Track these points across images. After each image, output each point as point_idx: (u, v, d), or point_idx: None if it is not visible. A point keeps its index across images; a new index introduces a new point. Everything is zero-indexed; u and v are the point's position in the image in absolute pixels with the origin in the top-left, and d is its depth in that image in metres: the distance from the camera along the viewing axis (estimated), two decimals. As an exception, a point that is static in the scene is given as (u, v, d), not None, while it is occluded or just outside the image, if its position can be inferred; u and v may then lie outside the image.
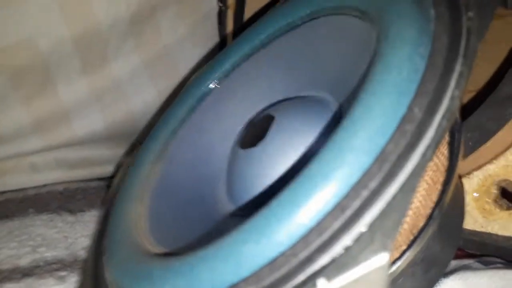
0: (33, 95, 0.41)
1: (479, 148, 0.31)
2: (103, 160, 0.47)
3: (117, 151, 0.48)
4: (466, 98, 0.37)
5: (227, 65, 0.33)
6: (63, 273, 0.29)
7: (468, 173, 0.31)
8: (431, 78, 0.17)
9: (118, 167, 0.48)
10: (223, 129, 0.31)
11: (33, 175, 0.44)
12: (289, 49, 0.29)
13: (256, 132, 0.28)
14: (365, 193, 0.15)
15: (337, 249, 0.15)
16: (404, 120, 0.17)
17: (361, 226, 0.15)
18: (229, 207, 0.28)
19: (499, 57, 0.37)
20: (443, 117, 0.16)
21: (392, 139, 0.16)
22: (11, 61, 0.38)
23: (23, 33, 0.38)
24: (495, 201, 0.31)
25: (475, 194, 0.32)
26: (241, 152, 0.27)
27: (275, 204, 0.17)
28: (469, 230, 0.32)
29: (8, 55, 0.38)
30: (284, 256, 0.16)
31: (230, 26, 0.46)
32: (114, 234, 0.25)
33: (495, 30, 0.28)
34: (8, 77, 0.39)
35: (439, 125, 0.16)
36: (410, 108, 0.17)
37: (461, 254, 0.33)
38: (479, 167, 0.31)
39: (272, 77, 0.31)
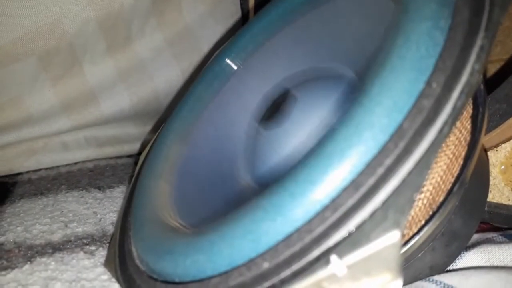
0: (61, 76, 0.42)
1: (507, 120, 0.30)
2: (130, 138, 0.49)
3: (143, 129, 0.49)
4: (494, 68, 0.35)
5: (248, 42, 0.32)
6: (92, 248, 0.30)
7: (495, 146, 0.31)
8: (450, 53, 0.17)
9: (144, 145, 0.49)
10: (243, 105, 0.32)
11: (64, 154, 0.46)
12: (309, 26, 0.29)
13: (274, 107, 0.28)
14: (380, 171, 0.15)
15: (351, 226, 0.15)
16: (421, 96, 0.16)
17: (375, 203, 0.15)
18: (249, 183, 0.28)
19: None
20: (462, 92, 0.16)
21: (408, 115, 0.16)
22: (39, 43, 0.39)
23: (50, 16, 0.39)
24: (523, 174, 0.30)
25: (502, 167, 0.31)
26: (263, 132, 0.27)
27: (290, 181, 0.17)
28: (495, 203, 0.31)
29: (36, 37, 0.39)
30: (299, 232, 0.16)
31: (251, 3, 0.45)
32: (139, 210, 0.25)
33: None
34: (37, 59, 0.40)
35: (457, 100, 0.16)
36: (428, 84, 0.16)
37: (486, 227, 0.33)
38: (506, 140, 0.30)
39: (292, 51, 0.31)
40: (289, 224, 0.17)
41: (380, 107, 0.16)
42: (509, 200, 0.31)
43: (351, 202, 0.15)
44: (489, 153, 0.31)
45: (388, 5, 0.21)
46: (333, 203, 0.16)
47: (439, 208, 0.21)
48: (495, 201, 0.31)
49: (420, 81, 0.17)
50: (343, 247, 0.15)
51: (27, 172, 0.43)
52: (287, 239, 0.16)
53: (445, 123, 0.15)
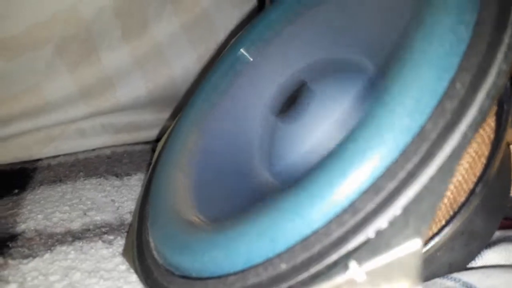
0: (78, 63, 0.42)
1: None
2: (147, 125, 0.49)
3: (160, 116, 0.49)
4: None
5: (264, 30, 0.32)
6: (111, 237, 0.30)
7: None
8: (476, 51, 0.16)
9: (163, 132, 0.49)
10: (258, 95, 0.31)
11: (82, 140, 0.46)
12: (328, 14, 0.28)
13: (291, 99, 0.28)
14: (401, 175, 0.15)
15: (370, 232, 0.15)
16: (445, 97, 0.16)
17: (396, 209, 0.15)
18: (265, 174, 0.28)
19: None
20: (488, 94, 0.15)
21: (431, 117, 0.15)
22: (57, 30, 0.39)
23: (66, 2, 0.39)
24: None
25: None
26: (279, 123, 0.27)
27: (309, 182, 0.17)
28: (517, 198, 0.31)
29: (54, 24, 0.39)
30: (317, 234, 0.16)
31: (269, -14, 0.45)
32: (156, 201, 0.25)
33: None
34: (55, 46, 0.40)
35: (483, 103, 0.15)
36: (452, 84, 0.16)
37: (508, 223, 0.32)
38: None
39: (310, 40, 0.30)
40: (307, 225, 0.16)
41: (401, 107, 0.16)
42: (532, 195, 0.30)
43: (370, 206, 0.15)
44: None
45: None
46: (352, 207, 0.16)
47: (460, 208, 0.20)
48: (517, 195, 0.31)
49: (444, 80, 0.16)
50: (362, 252, 0.15)
51: (47, 158, 0.44)
52: (305, 241, 0.16)
53: (470, 127, 0.15)
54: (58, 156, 0.45)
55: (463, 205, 0.20)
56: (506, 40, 0.16)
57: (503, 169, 0.26)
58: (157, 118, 0.49)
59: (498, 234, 0.29)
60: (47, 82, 0.41)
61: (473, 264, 0.26)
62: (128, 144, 0.48)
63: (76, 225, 0.32)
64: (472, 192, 0.21)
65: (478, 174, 0.21)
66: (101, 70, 0.43)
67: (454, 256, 0.24)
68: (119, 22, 0.42)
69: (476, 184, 0.21)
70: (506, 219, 0.32)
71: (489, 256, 0.27)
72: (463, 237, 0.23)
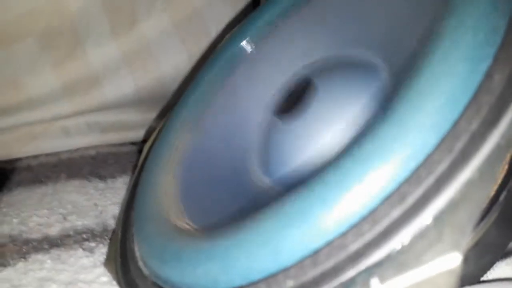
0: (63, 59, 0.40)
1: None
2: (134, 124, 0.47)
3: (148, 115, 0.47)
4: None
5: (262, 25, 0.30)
6: (92, 244, 0.28)
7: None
8: (515, 40, 0.14)
9: (149, 132, 0.47)
10: (256, 94, 0.29)
11: (65, 139, 0.44)
12: (333, 4, 0.26)
13: (293, 98, 0.26)
14: (430, 179, 0.13)
15: (395, 244, 0.13)
16: (481, 90, 0.14)
17: (426, 218, 0.12)
18: (264, 179, 0.26)
19: None
20: (531, 87, 0.13)
21: (465, 113, 0.13)
22: (40, 23, 0.37)
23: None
24: None
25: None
26: (280, 124, 0.25)
27: (320, 184, 0.15)
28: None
29: (36, 17, 0.37)
30: (330, 246, 0.14)
31: (263, -18, 0.43)
32: (142, 206, 0.23)
33: None
34: (38, 39, 0.38)
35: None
36: (488, 76, 0.14)
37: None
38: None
39: (312, 36, 0.28)
40: (318, 235, 0.14)
41: (429, 102, 0.14)
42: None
43: (395, 214, 0.13)
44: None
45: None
46: (373, 215, 0.13)
47: (482, 218, 0.18)
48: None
49: (479, 71, 0.14)
50: (385, 268, 0.13)
51: (27, 158, 0.41)
52: (316, 254, 0.14)
53: (511, 124, 0.13)
54: (40, 155, 0.42)
55: (485, 214, 0.18)
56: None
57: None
58: (145, 117, 0.47)
59: (511, 246, 0.28)
60: (30, 77, 0.39)
61: (485, 276, 0.24)
62: (114, 145, 0.46)
63: (54, 231, 0.29)
64: (494, 201, 0.19)
65: (499, 181, 0.19)
66: (87, 66, 0.41)
67: (467, 269, 0.22)
68: (107, 17, 0.41)
69: (499, 191, 0.19)
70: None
71: (502, 269, 0.25)
72: (476, 248, 0.22)
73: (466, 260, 0.22)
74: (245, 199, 0.24)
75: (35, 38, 0.38)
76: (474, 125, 0.13)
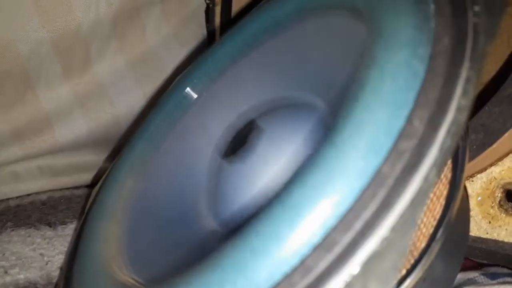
0: (13, 103, 0.39)
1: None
2: (88, 166, 0.45)
3: (103, 157, 0.46)
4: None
5: (211, 68, 0.30)
6: (34, 300, 0.26)
7: (471, 176, 0.29)
8: (432, 86, 0.15)
9: (101, 173, 0.46)
10: (204, 135, 0.29)
11: (16, 185, 0.42)
12: (276, 50, 0.27)
13: (239, 140, 0.26)
14: (357, 225, 0.13)
15: (325, 294, 0.13)
16: (402, 136, 0.14)
17: (353, 266, 0.12)
18: (211, 223, 0.25)
19: (503, 51, 0.34)
20: (448, 131, 0.13)
21: (388, 159, 0.14)
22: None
23: (2, 38, 0.36)
24: (500, 205, 0.29)
25: (479, 198, 0.29)
26: (226, 165, 0.25)
27: (251, 235, 0.15)
28: (473, 236, 0.29)
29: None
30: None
31: (217, 23, 0.44)
32: (83, 259, 0.22)
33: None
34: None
35: (444, 141, 0.13)
36: (409, 121, 0.14)
37: (467, 263, 0.31)
38: (482, 170, 0.29)
39: (258, 79, 0.29)
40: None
41: (354, 149, 0.14)
42: (487, 233, 0.29)
43: (324, 264, 0.13)
44: (465, 184, 0.29)
45: (360, 30, 0.19)
46: (303, 265, 0.13)
47: (421, 255, 0.18)
48: (472, 234, 0.30)
49: (400, 117, 0.14)
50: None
51: (-28, 206, 0.39)
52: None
53: (431, 168, 0.13)
54: (-13, 203, 0.40)
55: (424, 252, 0.19)
56: (463, 73, 0.14)
57: (462, 208, 0.25)
58: (100, 159, 0.46)
59: (459, 277, 0.28)
60: (-23, 123, 0.38)
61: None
62: (68, 188, 0.44)
63: (-7, 287, 0.27)
64: (433, 238, 0.19)
65: (437, 216, 0.20)
66: (38, 109, 0.40)
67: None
68: (59, 59, 0.40)
69: (437, 228, 0.19)
70: (466, 259, 0.31)
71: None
72: (425, 284, 0.22)
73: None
74: (192, 245, 0.24)
75: (-18, 83, 0.37)
76: (397, 171, 0.13)
